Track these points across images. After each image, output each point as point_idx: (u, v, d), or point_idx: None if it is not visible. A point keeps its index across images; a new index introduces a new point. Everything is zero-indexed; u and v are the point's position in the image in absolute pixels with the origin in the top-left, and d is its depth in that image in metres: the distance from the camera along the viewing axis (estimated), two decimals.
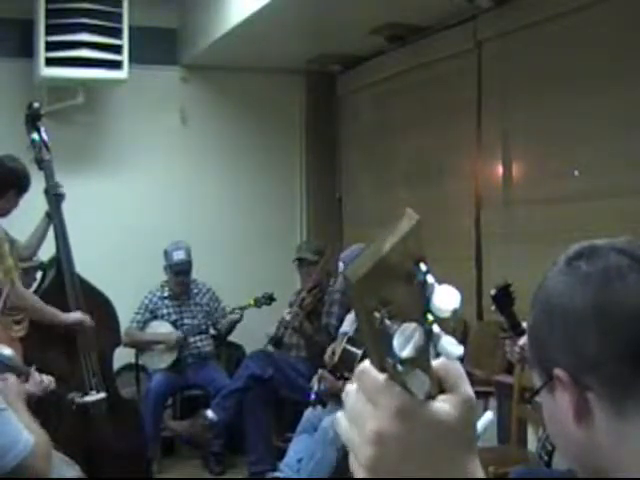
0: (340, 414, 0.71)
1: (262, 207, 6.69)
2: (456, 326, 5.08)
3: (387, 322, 0.64)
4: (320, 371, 4.91)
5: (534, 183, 4.91)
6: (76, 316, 4.44)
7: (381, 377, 0.67)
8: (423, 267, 0.66)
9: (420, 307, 0.65)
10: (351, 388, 0.70)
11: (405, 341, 0.64)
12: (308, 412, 5.00)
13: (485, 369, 4.63)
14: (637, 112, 4.14)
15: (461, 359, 0.68)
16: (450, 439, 0.68)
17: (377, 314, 0.64)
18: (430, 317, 0.65)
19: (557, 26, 4.63)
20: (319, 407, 4.89)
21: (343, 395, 0.72)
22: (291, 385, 5.40)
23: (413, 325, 0.64)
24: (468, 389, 0.71)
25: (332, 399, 4.82)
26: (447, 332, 0.66)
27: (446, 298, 0.65)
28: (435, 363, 0.68)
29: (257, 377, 5.38)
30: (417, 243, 0.66)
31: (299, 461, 4.81)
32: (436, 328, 0.65)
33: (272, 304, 5.90)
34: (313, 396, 4.87)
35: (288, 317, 5.56)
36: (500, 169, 5.16)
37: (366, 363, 0.69)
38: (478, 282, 5.21)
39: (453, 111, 5.48)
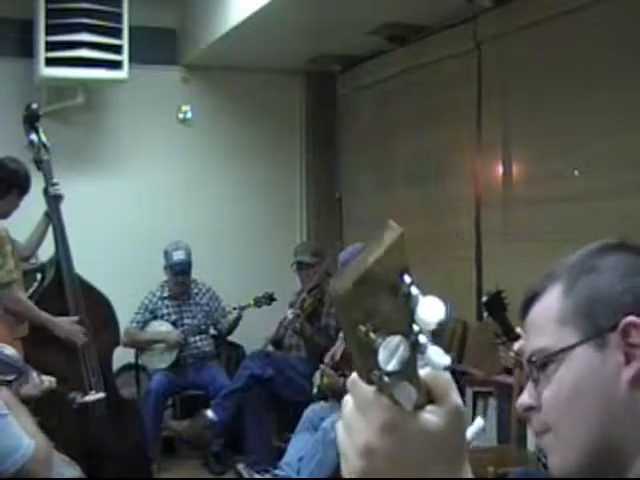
0: (339, 423, 0.72)
1: (262, 207, 6.69)
2: (455, 327, 5.09)
3: (372, 335, 0.64)
4: (322, 366, 4.92)
5: (534, 183, 4.91)
6: (63, 328, 4.42)
7: (369, 389, 0.68)
8: (407, 279, 0.66)
9: (405, 319, 0.65)
10: (348, 397, 0.71)
11: (390, 355, 0.64)
12: (308, 411, 5.00)
13: (485, 369, 4.63)
14: (637, 112, 4.14)
15: (450, 369, 0.68)
16: (438, 450, 0.69)
17: (362, 327, 0.64)
18: (416, 327, 0.65)
19: (557, 26, 4.62)
20: (321, 402, 4.91)
21: (342, 403, 0.72)
22: (291, 385, 5.40)
23: (397, 338, 0.64)
24: (457, 399, 0.71)
25: (333, 396, 4.84)
26: (442, 339, 0.66)
27: (431, 309, 0.65)
28: (423, 373, 0.68)
29: (257, 377, 5.39)
30: (401, 255, 0.66)
31: (300, 460, 4.82)
32: (422, 338, 0.65)
33: (272, 304, 5.90)
34: (315, 390, 4.91)
35: (290, 317, 5.57)
36: (500, 169, 5.15)
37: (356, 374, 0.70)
38: (478, 282, 5.21)
39: (453, 111, 5.48)
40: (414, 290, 0.65)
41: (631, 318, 0.98)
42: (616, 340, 0.98)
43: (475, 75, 5.26)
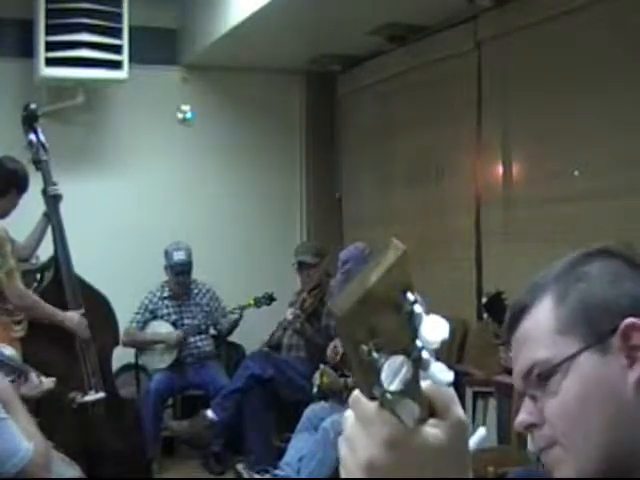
0: (341, 438, 0.72)
1: (262, 207, 6.68)
2: (455, 327, 5.09)
3: (375, 354, 0.64)
4: (322, 366, 4.93)
5: (534, 183, 4.91)
6: (73, 321, 4.42)
7: (371, 405, 0.68)
8: (411, 297, 0.65)
9: (408, 337, 0.65)
10: (350, 413, 0.71)
11: (392, 375, 0.64)
12: (308, 410, 5.00)
13: (485, 369, 4.63)
14: (637, 112, 4.14)
15: (453, 384, 0.67)
16: (441, 464, 0.68)
17: (364, 346, 0.64)
18: (419, 343, 0.65)
19: (557, 26, 4.62)
20: (321, 402, 4.91)
21: (343, 419, 0.72)
22: (291, 385, 5.40)
23: (400, 358, 0.64)
24: (459, 412, 0.71)
25: (333, 396, 4.83)
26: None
27: (434, 329, 0.65)
28: (426, 387, 0.68)
29: (257, 377, 5.39)
30: (404, 273, 0.65)
31: (300, 460, 4.82)
32: (425, 355, 0.65)
33: (272, 304, 5.90)
34: (315, 390, 4.91)
35: (290, 317, 5.57)
36: (500, 169, 5.16)
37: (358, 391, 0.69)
38: (478, 282, 5.21)
39: (453, 111, 5.48)
40: (417, 308, 0.65)
41: (631, 320, 0.97)
42: (617, 344, 0.98)
43: (475, 75, 5.26)
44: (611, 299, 1.00)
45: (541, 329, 1.02)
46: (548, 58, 4.72)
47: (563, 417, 0.99)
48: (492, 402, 4.65)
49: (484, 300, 3.04)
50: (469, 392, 4.78)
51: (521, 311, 1.05)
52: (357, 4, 5.05)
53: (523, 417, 1.03)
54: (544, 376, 1.00)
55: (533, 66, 4.86)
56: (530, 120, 4.90)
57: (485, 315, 3.04)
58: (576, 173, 4.58)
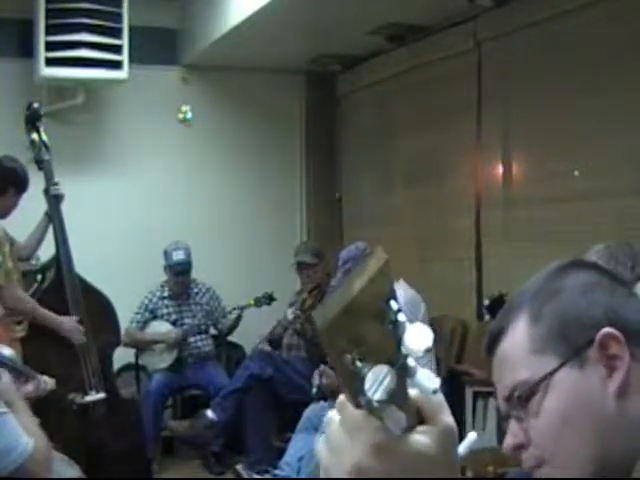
0: (320, 441, 0.71)
1: (262, 207, 6.69)
2: (455, 327, 5.09)
3: (358, 364, 0.64)
4: (322, 366, 4.93)
5: (534, 183, 4.91)
6: (66, 326, 4.41)
7: (359, 412, 0.67)
8: (394, 306, 0.65)
9: (392, 345, 0.65)
10: (333, 416, 0.70)
11: (377, 385, 0.64)
12: (308, 410, 5.01)
13: (485, 369, 4.62)
14: (637, 112, 4.14)
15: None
16: (429, 470, 0.68)
17: (348, 356, 0.64)
18: (404, 350, 0.64)
19: (557, 26, 4.63)
20: (321, 402, 4.92)
21: (324, 423, 0.72)
22: (291, 385, 5.40)
23: (385, 369, 0.64)
24: (448, 419, 0.71)
25: (333, 396, 4.84)
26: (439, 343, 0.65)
27: (418, 337, 0.64)
28: (414, 393, 0.68)
29: (257, 377, 5.38)
30: (386, 282, 0.65)
31: (300, 459, 4.82)
32: (411, 362, 0.65)
33: (272, 304, 5.90)
34: (314, 390, 4.91)
35: (290, 317, 5.57)
36: (500, 169, 5.16)
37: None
38: (478, 282, 5.21)
39: (453, 111, 5.48)
40: (401, 317, 0.65)
41: (607, 330, 0.97)
42: (595, 355, 0.98)
43: (475, 75, 5.26)
44: (583, 311, 1.00)
45: (518, 350, 1.02)
46: (548, 58, 4.72)
47: (548, 436, 0.99)
48: (492, 402, 4.64)
49: (486, 302, 3.05)
50: (469, 392, 4.77)
51: (499, 332, 1.05)
52: (357, 4, 5.05)
53: (510, 440, 1.03)
54: (525, 397, 0.99)
55: (533, 66, 4.86)
56: (530, 120, 4.90)
57: (487, 317, 3.04)
58: (576, 173, 4.58)
